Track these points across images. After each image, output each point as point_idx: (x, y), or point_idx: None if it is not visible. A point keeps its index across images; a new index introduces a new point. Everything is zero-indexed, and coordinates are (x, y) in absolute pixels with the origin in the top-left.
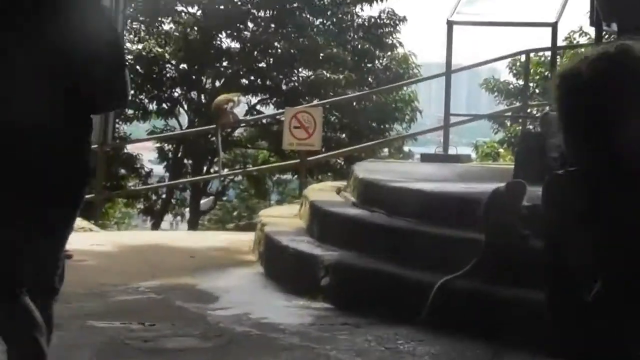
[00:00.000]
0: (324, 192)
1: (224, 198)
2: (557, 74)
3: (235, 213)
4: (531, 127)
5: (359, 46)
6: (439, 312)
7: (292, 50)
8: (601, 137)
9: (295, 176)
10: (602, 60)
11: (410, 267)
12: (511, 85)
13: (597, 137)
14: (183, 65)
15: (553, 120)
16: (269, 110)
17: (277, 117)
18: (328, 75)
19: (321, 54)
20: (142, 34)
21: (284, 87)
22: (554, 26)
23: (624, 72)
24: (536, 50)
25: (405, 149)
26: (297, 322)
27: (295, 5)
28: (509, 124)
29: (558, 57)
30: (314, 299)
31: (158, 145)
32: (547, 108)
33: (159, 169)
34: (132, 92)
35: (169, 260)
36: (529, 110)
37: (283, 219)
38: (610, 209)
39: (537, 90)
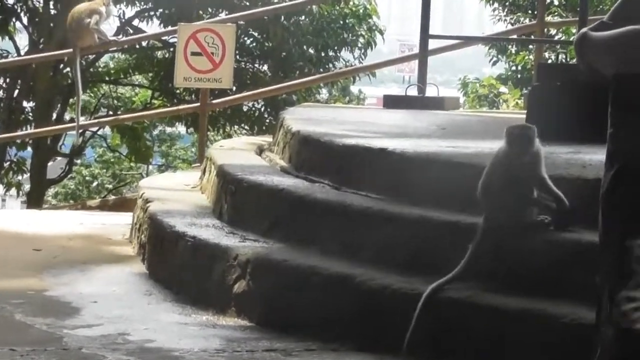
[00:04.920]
0: (238, 152)
1: (78, 161)
2: None
3: (94, 184)
4: (550, 56)
5: None
6: (430, 335)
7: None
8: None
9: (191, 129)
10: None
11: (372, 267)
12: None
13: None
14: None
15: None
16: (153, 27)
17: (166, 37)
18: None
19: None
20: None
21: None
22: None
23: None
24: None
25: (354, 88)
26: (198, 347)
27: None
28: (513, 50)
29: None
30: (223, 312)
31: None
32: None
33: None
34: None
35: (2, 253)
36: (546, 31)
37: (176, 192)
38: None
39: (555, 2)
